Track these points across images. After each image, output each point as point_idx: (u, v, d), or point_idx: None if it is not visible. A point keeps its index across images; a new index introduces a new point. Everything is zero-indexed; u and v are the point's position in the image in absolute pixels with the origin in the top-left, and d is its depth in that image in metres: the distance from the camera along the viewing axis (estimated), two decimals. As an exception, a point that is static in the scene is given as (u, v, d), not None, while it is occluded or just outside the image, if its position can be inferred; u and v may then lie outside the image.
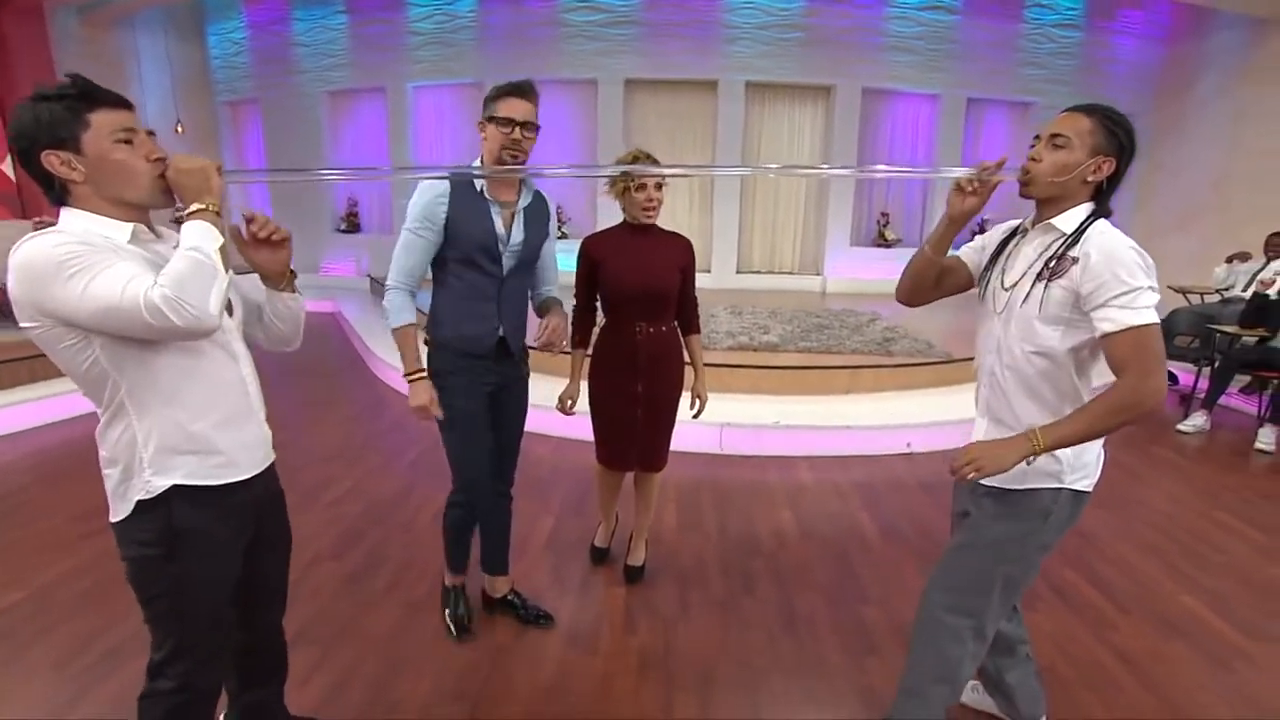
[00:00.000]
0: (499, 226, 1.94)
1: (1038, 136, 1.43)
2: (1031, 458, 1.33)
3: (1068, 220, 1.39)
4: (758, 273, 9.62)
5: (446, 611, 2.28)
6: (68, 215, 1.16)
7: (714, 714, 1.90)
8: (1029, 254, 1.46)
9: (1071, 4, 8.77)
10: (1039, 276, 1.40)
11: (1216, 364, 4.71)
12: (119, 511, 1.25)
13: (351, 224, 10.12)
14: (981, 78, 8.88)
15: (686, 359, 2.44)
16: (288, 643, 1.68)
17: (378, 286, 8.85)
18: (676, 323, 2.38)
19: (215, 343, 1.28)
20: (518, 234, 1.98)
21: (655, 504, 2.62)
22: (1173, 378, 5.69)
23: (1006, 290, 1.48)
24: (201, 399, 1.25)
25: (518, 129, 1.84)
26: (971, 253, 1.65)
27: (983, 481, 1.53)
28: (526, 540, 2.86)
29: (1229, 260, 6.04)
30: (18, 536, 2.81)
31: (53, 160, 1.12)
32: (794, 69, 8.70)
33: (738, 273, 9.40)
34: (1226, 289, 5.93)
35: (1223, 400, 4.68)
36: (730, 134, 8.86)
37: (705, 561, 2.73)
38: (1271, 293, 4.85)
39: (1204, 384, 4.73)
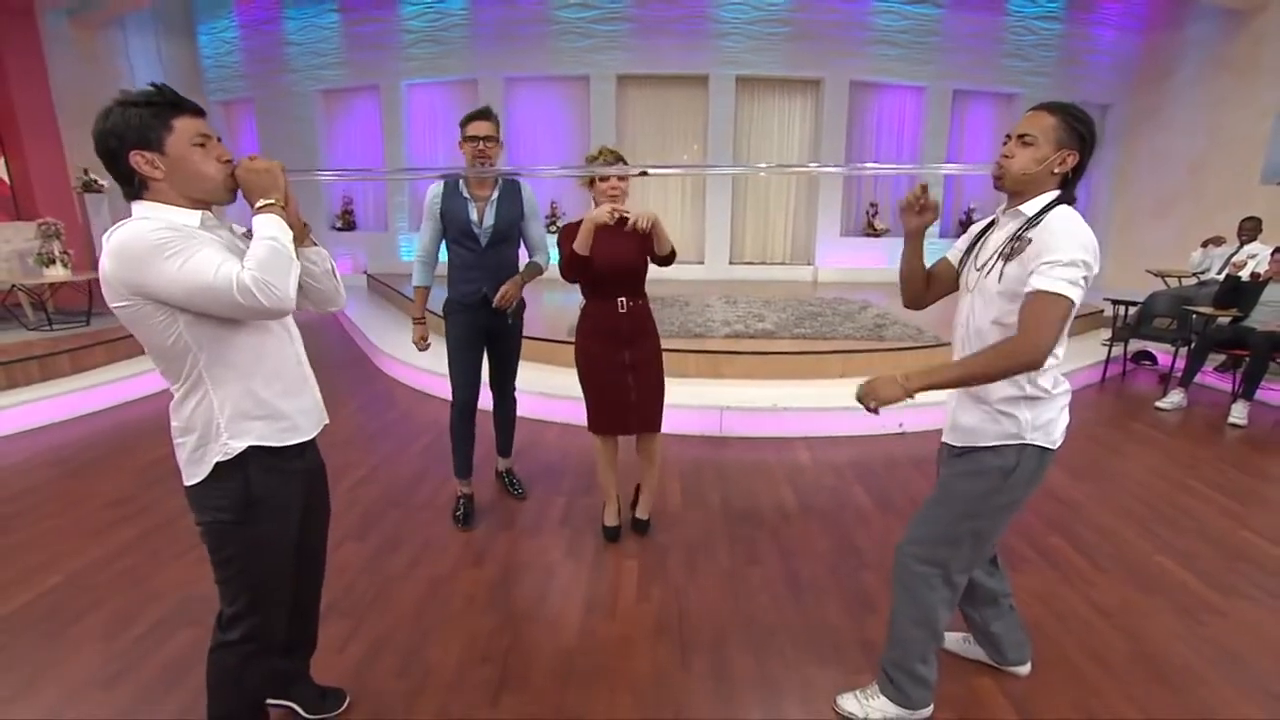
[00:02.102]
0: (474, 214, 2.71)
1: (1008, 136, 1.58)
2: (908, 398, 1.50)
3: (1033, 206, 1.55)
4: (750, 264, 9.76)
5: (455, 513, 2.97)
6: (142, 208, 1.29)
7: (727, 669, 2.06)
8: (999, 237, 1.61)
9: (1052, -4, 8.96)
10: (1001, 255, 1.55)
11: (1193, 344, 4.90)
12: (194, 476, 1.37)
13: (347, 222, 10.17)
14: (966, 70, 9.04)
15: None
16: (321, 617, 1.81)
17: (375, 283, 8.93)
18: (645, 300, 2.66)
19: (278, 321, 1.43)
20: (489, 218, 2.73)
21: (659, 462, 2.87)
22: (1151, 357, 5.90)
23: (978, 270, 1.64)
24: (268, 371, 1.40)
25: (481, 142, 2.60)
26: (956, 253, 1.80)
27: (951, 442, 1.70)
28: (541, 518, 3.01)
29: (1204, 245, 6.26)
30: (50, 526, 2.92)
31: (139, 160, 1.25)
32: (783, 63, 8.82)
33: (730, 264, 9.54)
34: (1202, 272, 6.15)
35: (1199, 378, 4.88)
36: (721, 127, 8.99)
37: (711, 535, 2.88)
38: (1243, 275, 5.07)
39: (1181, 364, 4.92)
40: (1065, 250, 1.41)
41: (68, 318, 5.40)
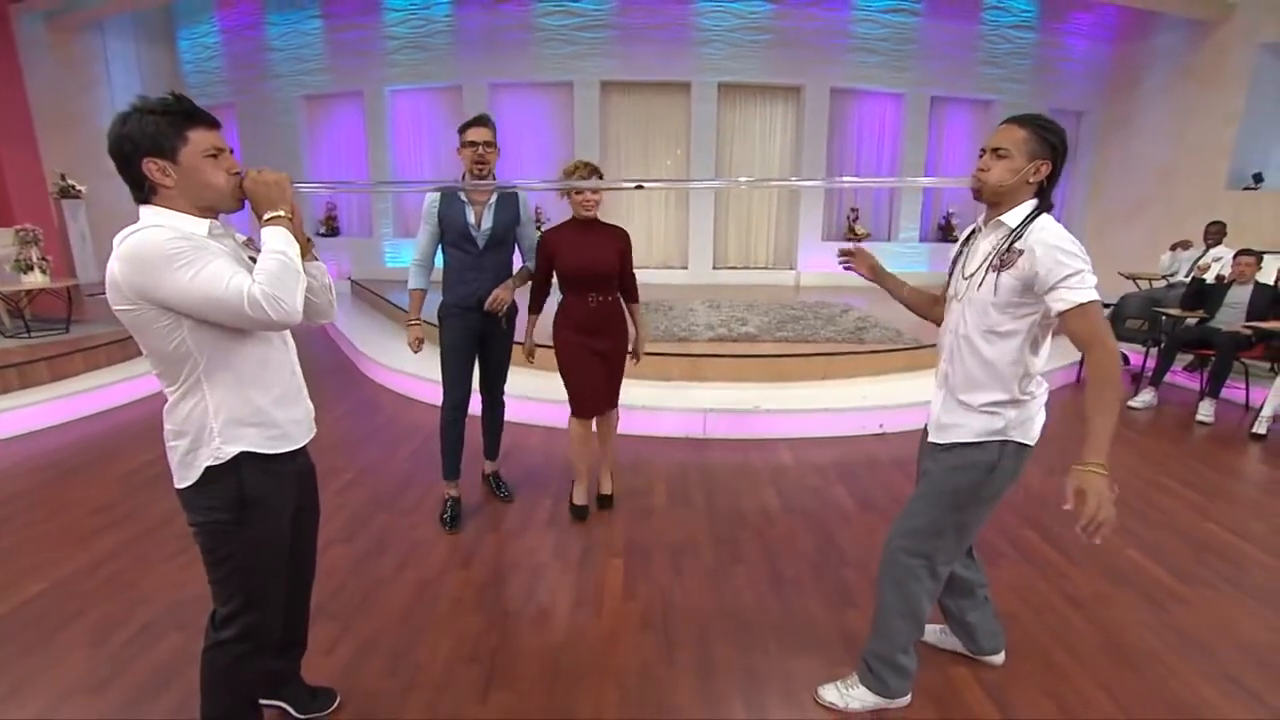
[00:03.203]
0: (472, 218, 2.77)
1: (983, 150, 1.65)
2: (1111, 484, 1.47)
3: (1014, 216, 1.62)
4: (733, 268, 9.85)
5: (442, 515, 3.01)
6: (151, 213, 1.31)
7: (711, 664, 2.10)
8: (985, 248, 1.68)
9: (1025, 6, 9.16)
10: (991, 267, 1.62)
11: (1162, 344, 5.04)
12: (185, 479, 1.39)
13: (330, 227, 10.13)
14: (943, 77, 9.22)
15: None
16: (309, 619, 1.83)
17: (360, 289, 8.90)
18: (620, 294, 2.94)
19: (277, 332, 1.45)
20: (487, 222, 2.79)
21: (615, 437, 3.18)
22: (1124, 358, 6.05)
23: (966, 279, 1.70)
24: (265, 379, 1.42)
25: (480, 148, 2.67)
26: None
27: (936, 440, 1.76)
28: (528, 520, 3.04)
29: (1173, 248, 6.45)
30: (34, 533, 2.90)
31: (151, 167, 1.28)
32: (764, 70, 8.94)
33: (714, 268, 9.62)
34: (1171, 275, 6.33)
35: (1168, 378, 5.02)
36: (703, 133, 9.08)
37: (696, 535, 2.93)
38: (1208, 277, 5.23)
39: (1152, 363, 5.06)
40: (1071, 262, 1.50)
41: (46, 325, 5.35)
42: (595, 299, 2.82)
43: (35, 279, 5.20)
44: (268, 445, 1.44)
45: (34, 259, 5.17)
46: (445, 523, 2.96)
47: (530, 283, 2.93)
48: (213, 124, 1.34)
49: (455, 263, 2.84)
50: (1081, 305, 1.49)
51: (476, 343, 2.94)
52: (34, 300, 5.36)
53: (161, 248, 1.22)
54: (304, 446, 1.60)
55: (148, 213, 1.31)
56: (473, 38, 8.90)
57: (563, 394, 2.91)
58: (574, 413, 2.93)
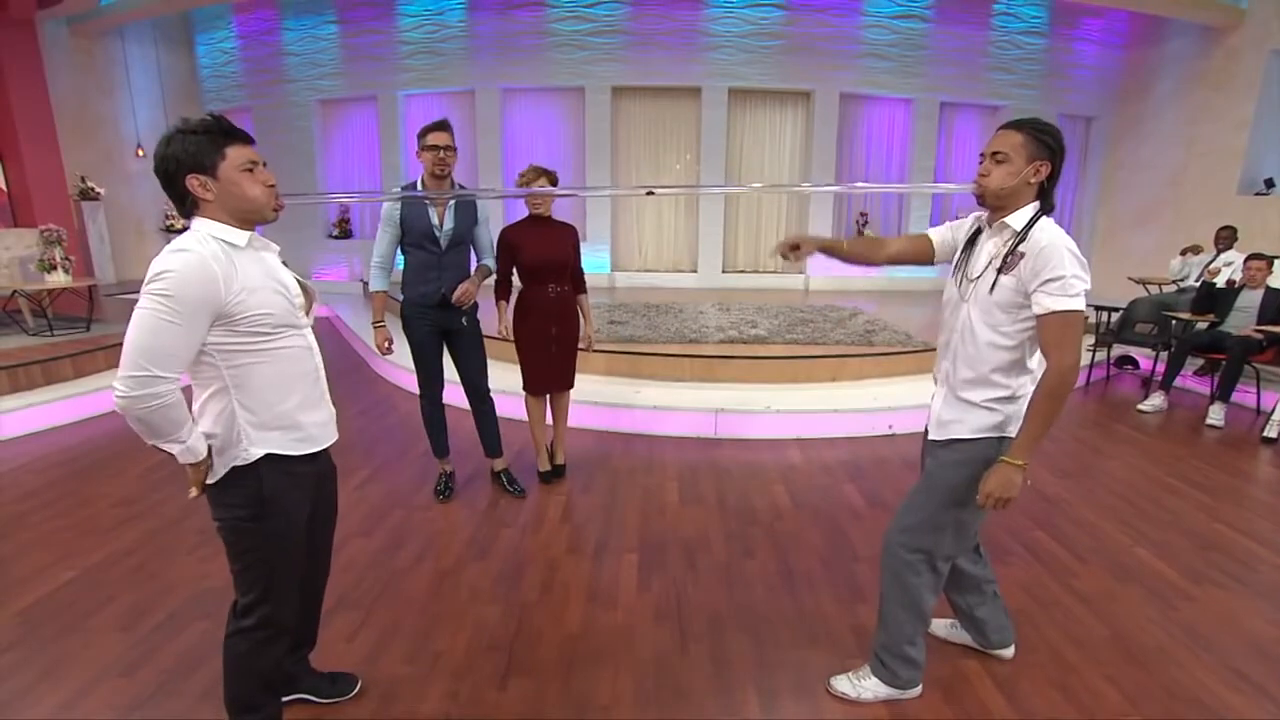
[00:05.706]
0: (434, 218, 2.89)
1: (982, 155, 1.69)
2: (1027, 478, 1.63)
3: (1018, 219, 1.65)
4: (743, 272, 9.90)
5: (436, 488, 3.28)
6: (198, 223, 1.40)
7: (725, 654, 2.14)
8: (990, 249, 1.72)
9: (1036, 12, 9.18)
10: (996, 268, 1.66)
11: (1172, 349, 5.05)
12: (210, 477, 1.46)
13: (343, 230, 10.25)
14: (953, 82, 9.25)
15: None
16: (330, 610, 1.91)
17: (372, 290, 9.00)
18: (570, 286, 3.23)
19: (301, 338, 1.52)
20: (448, 223, 2.91)
21: (569, 415, 3.53)
22: (1134, 362, 6.06)
23: (971, 281, 1.74)
24: (288, 385, 1.49)
25: (441, 151, 2.77)
26: (943, 232, 1.91)
27: (935, 436, 1.81)
28: (542, 515, 3.10)
29: (1183, 253, 6.45)
30: (60, 524, 2.98)
31: (193, 183, 1.36)
32: (774, 75, 9.00)
33: (723, 272, 9.67)
34: (1181, 279, 6.33)
35: (1179, 382, 5.03)
36: (714, 138, 9.14)
37: (708, 531, 2.97)
38: (1219, 281, 5.24)
39: (1162, 368, 5.06)
40: (1060, 266, 1.53)
41: (68, 324, 5.46)
42: (554, 289, 3.13)
43: (58, 278, 5.31)
44: (292, 447, 1.51)
45: (57, 259, 5.28)
46: (439, 493, 3.23)
47: (492, 278, 3.12)
48: (247, 140, 1.42)
49: (417, 262, 2.93)
50: (1056, 313, 1.54)
51: (441, 338, 3.07)
52: (56, 299, 5.48)
53: (155, 285, 1.28)
54: (326, 450, 1.65)
55: (196, 224, 1.40)
56: (486, 43, 9.00)
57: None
58: (528, 390, 3.29)
